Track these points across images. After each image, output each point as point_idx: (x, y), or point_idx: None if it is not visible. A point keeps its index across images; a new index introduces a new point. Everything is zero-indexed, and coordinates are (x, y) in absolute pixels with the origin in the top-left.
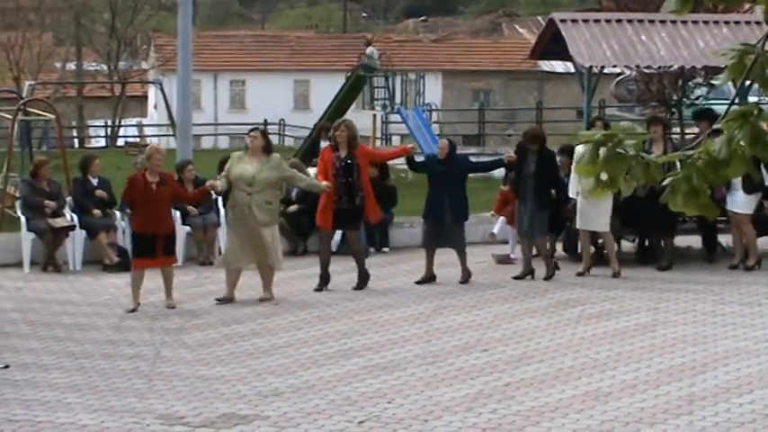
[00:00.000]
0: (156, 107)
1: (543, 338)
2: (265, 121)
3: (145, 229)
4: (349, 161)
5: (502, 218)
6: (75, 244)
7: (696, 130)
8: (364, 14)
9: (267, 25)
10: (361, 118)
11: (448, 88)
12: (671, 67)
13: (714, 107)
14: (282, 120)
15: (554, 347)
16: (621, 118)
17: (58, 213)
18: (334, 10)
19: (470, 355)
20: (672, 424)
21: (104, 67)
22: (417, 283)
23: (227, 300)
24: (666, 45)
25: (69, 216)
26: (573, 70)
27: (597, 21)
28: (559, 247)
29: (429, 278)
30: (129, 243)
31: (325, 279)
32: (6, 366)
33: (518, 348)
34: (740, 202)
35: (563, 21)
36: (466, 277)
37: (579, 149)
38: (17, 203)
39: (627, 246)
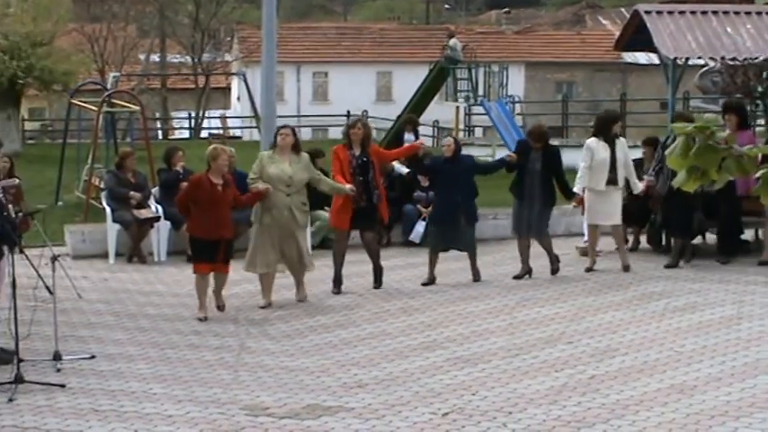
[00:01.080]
0: (239, 99)
1: (628, 331)
2: (348, 112)
3: (209, 234)
4: (365, 159)
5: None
6: (160, 235)
7: None
8: (447, 6)
9: (350, 17)
10: (444, 110)
11: (531, 80)
12: (756, 58)
13: None
14: (365, 111)
15: (638, 340)
16: (706, 110)
17: (142, 204)
18: (417, 2)
19: (555, 348)
20: (758, 417)
21: (188, 58)
22: (424, 284)
23: (269, 305)
24: (752, 36)
25: (154, 207)
26: (657, 62)
27: (682, 12)
28: (643, 239)
29: (431, 280)
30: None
31: (339, 281)
32: (92, 357)
33: (602, 341)
34: None
35: (648, 12)
36: (477, 277)
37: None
38: (102, 195)
39: (710, 239)
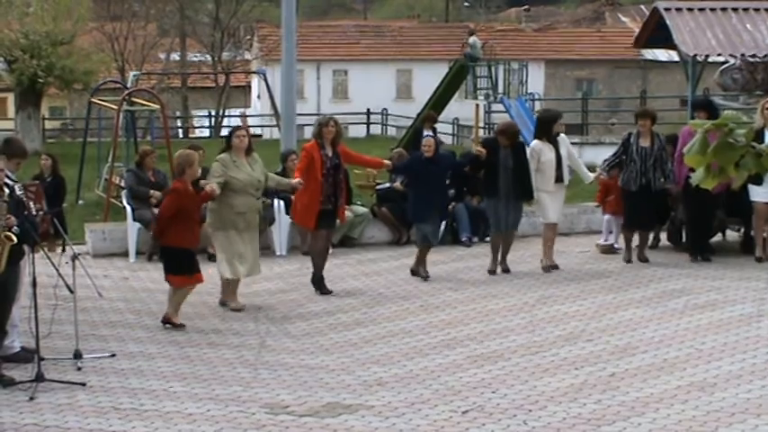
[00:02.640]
0: (259, 97)
1: (648, 329)
2: (368, 110)
3: (191, 245)
4: (337, 161)
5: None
6: None
7: None
8: (466, 4)
9: (369, 15)
10: (464, 107)
11: (551, 77)
12: None
13: None
14: (385, 109)
15: (658, 338)
16: (726, 107)
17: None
18: (437, 0)
19: (574, 345)
20: None
21: (208, 57)
22: (423, 278)
23: (241, 309)
24: None
25: None
26: (677, 59)
27: (702, 9)
28: (664, 236)
29: (428, 275)
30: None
31: (321, 281)
32: (113, 355)
33: (622, 339)
34: None
35: (667, 9)
36: (421, 273)
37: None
38: (122, 193)
39: (732, 236)
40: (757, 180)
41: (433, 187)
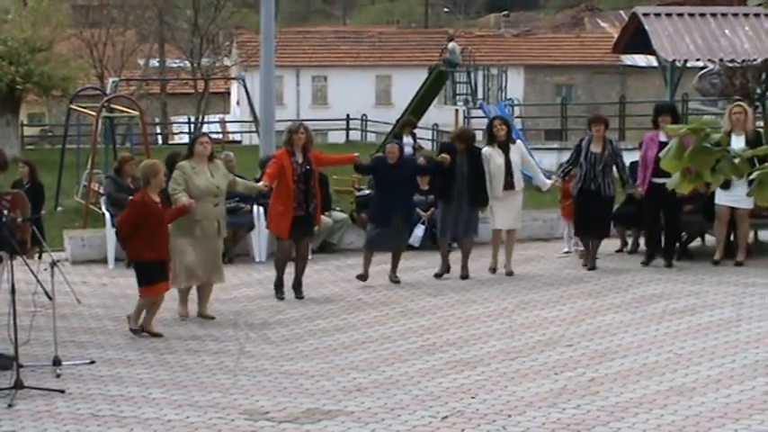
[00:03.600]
0: (238, 103)
1: (627, 334)
2: (347, 116)
3: (159, 255)
4: (308, 167)
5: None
6: None
7: None
8: (446, 9)
9: (349, 21)
10: (443, 113)
11: (530, 83)
12: (755, 60)
13: None
14: (365, 115)
15: (638, 343)
16: (705, 112)
17: None
18: (416, 5)
19: (554, 351)
20: (757, 419)
21: (187, 63)
22: (359, 277)
23: (186, 316)
24: (750, 38)
25: None
26: (656, 64)
27: (680, 14)
28: (642, 241)
29: (364, 276)
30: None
31: (281, 285)
32: (92, 362)
33: (602, 344)
34: (744, 197)
35: (646, 15)
36: (396, 279)
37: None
38: (101, 200)
39: (710, 240)
40: (724, 184)
41: (395, 192)
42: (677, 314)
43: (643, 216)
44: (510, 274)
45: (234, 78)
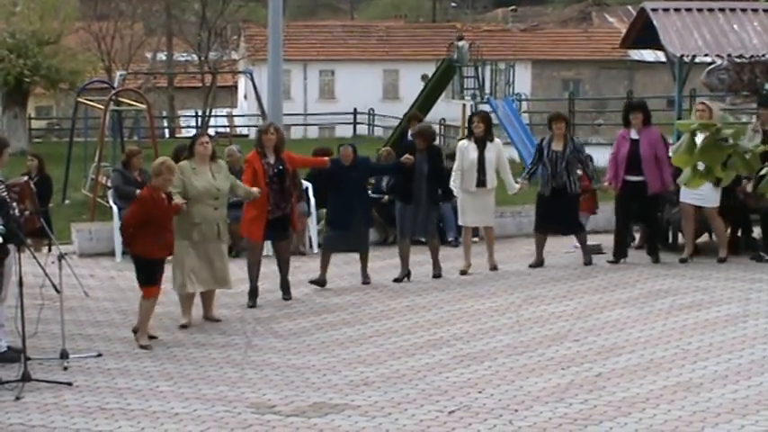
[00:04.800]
0: (246, 97)
1: (634, 329)
2: (355, 110)
3: (162, 254)
4: (281, 167)
5: None
6: None
7: None
8: (453, 4)
9: (356, 15)
10: (451, 108)
11: (537, 78)
12: (763, 55)
13: None
14: (372, 109)
15: (645, 338)
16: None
17: None
18: (423, 0)
19: (561, 346)
20: (764, 415)
21: (195, 57)
22: (311, 282)
23: (188, 325)
24: (758, 34)
25: None
26: (663, 59)
27: (689, 9)
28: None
29: (322, 281)
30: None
31: (255, 293)
32: (99, 355)
33: (609, 339)
34: (709, 195)
35: (654, 10)
36: (367, 279)
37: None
38: (109, 193)
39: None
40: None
41: (352, 194)
42: (684, 310)
43: (615, 213)
44: (494, 268)
45: (241, 72)
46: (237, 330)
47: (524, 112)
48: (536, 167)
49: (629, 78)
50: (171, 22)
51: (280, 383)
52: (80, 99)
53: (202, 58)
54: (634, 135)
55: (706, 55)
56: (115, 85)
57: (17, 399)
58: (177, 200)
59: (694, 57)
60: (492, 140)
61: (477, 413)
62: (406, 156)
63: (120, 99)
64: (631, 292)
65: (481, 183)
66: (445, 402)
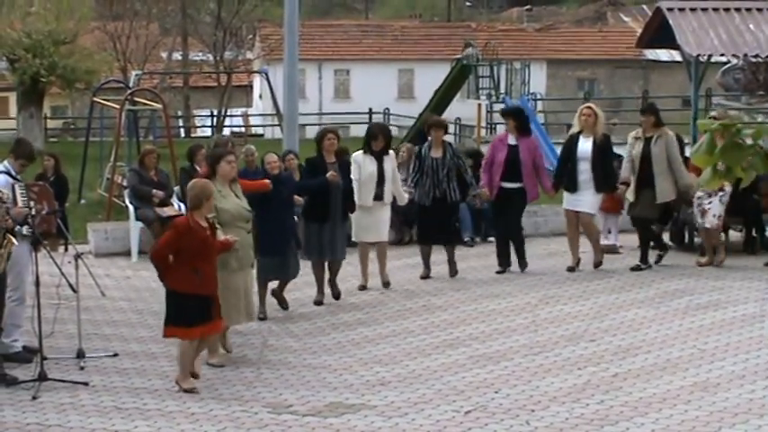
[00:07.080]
0: (261, 97)
1: (650, 329)
2: (370, 110)
3: (202, 290)
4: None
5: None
6: None
7: None
8: (468, 3)
9: (371, 14)
10: (466, 107)
11: (552, 77)
12: None
13: None
14: (387, 109)
15: (661, 338)
16: (728, 107)
17: (165, 202)
18: None
19: (577, 346)
20: None
21: (210, 56)
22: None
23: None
24: None
25: (177, 205)
26: (679, 59)
27: (705, 9)
28: (666, 236)
29: (265, 317)
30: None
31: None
32: (115, 354)
33: (625, 339)
34: (586, 201)
35: (670, 9)
36: (285, 305)
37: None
38: (125, 193)
39: (734, 236)
40: (570, 188)
41: (283, 215)
42: (701, 309)
43: (493, 221)
44: (387, 284)
45: (257, 72)
46: (254, 330)
47: (539, 111)
48: (417, 176)
49: (645, 78)
50: (186, 22)
51: (296, 383)
52: (96, 99)
53: (218, 58)
54: (511, 141)
55: (722, 55)
56: (131, 84)
57: (34, 398)
58: (228, 237)
59: (710, 56)
60: (387, 153)
61: (494, 413)
62: (331, 173)
63: (136, 99)
64: (647, 291)
65: (378, 196)
66: (461, 402)
